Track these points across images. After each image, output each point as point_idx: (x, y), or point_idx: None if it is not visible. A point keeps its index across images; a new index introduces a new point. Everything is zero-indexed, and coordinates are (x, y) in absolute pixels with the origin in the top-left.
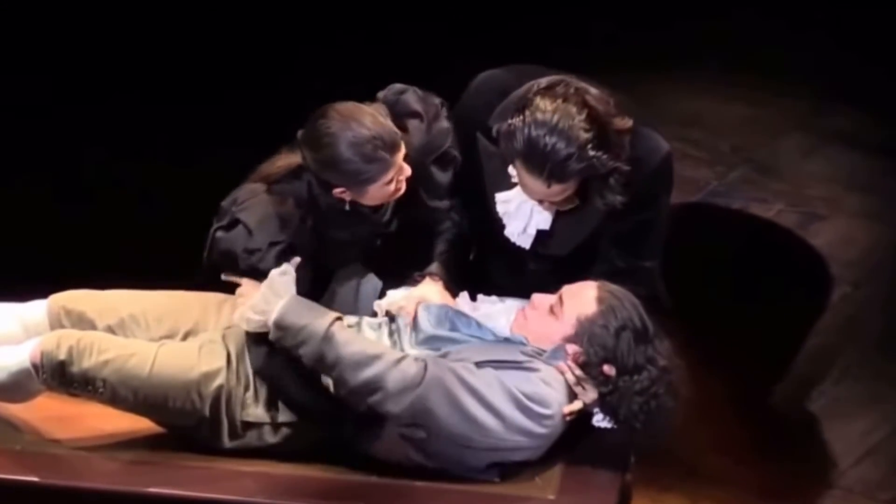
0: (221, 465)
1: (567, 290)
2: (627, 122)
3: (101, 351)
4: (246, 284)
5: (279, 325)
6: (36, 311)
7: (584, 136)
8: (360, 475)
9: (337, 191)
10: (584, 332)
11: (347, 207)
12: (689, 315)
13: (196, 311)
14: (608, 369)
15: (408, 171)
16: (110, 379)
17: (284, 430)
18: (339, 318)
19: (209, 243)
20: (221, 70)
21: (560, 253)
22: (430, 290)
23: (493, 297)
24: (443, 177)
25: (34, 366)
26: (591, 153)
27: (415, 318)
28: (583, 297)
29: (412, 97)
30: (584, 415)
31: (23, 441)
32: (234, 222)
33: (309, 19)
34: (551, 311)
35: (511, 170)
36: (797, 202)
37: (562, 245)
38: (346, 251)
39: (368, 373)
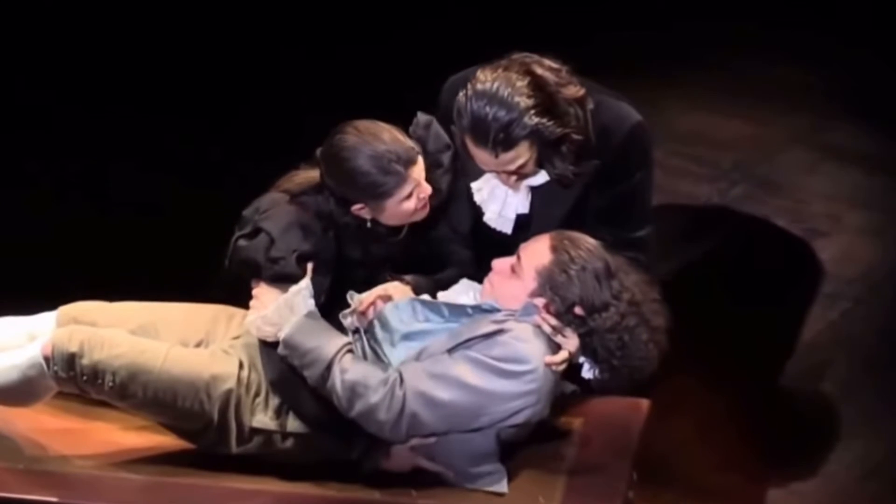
0: (230, 483)
1: (523, 246)
2: (580, 91)
3: (112, 345)
4: (262, 290)
5: (287, 344)
6: (45, 323)
7: (527, 101)
8: (368, 492)
9: (355, 207)
10: (546, 283)
11: (369, 225)
12: (691, 333)
13: (206, 323)
14: (579, 310)
15: (427, 189)
16: (120, 373)
17: (293, 440)
18: (347, 345)
19: (230, 251)
20: (226, 81)
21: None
22: (393, 288)
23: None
24: (466, 209)
25: (45, 358)
26: (535, 119)
27: (383, 321)
28: (538, 250)
29: (439, 127)
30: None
31: (26, 459)
32: (257, 231)
33: (302, 28)
34: (512, 271)
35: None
36: (799, 218)
37: (543, 229)
38: (354, 272)
39: (362, 405)
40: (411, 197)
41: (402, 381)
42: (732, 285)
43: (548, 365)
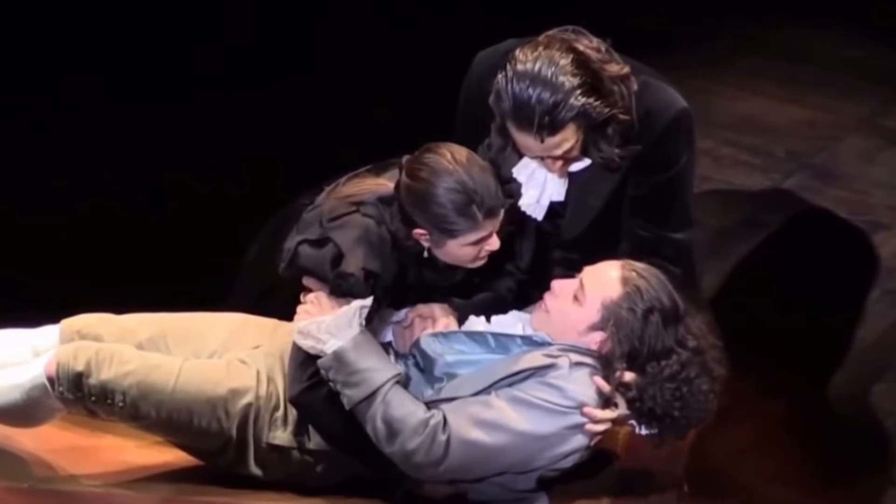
0: (248, 500)
1: (588, 272)
2: (623, 68)
3: (121, 362)
4: (320, 297)
5: (338, 356)
6: (48, 336)
7: (572, 80)
8: None
9: (418, 231)
10: (611, 317)
11: (426, 255)
12: (746, 334)
13: (219, 333)
14: (629, 377)
15: (495, 245)
16: (131, 392)
17: (314, 458)
18: (397, 376)
19: (290, 254)
20: (232, 88)
21: (578, 230)
22: (434, 307)
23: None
24: (530, 244)
25: (49, 379)
26: (582, 99)
27: (425, 349)
28: (606, 280)
29: (514, 154)
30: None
31: (32, 477)
32: (325, 240)
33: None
34: (575, 297)
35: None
36: (859, 210)
37: (579, 218)
38: (403, 295)
39: (399, 445)
40: (476, 246)
41: (445, 424)
42: (788, 282)
43: (587, 416)
